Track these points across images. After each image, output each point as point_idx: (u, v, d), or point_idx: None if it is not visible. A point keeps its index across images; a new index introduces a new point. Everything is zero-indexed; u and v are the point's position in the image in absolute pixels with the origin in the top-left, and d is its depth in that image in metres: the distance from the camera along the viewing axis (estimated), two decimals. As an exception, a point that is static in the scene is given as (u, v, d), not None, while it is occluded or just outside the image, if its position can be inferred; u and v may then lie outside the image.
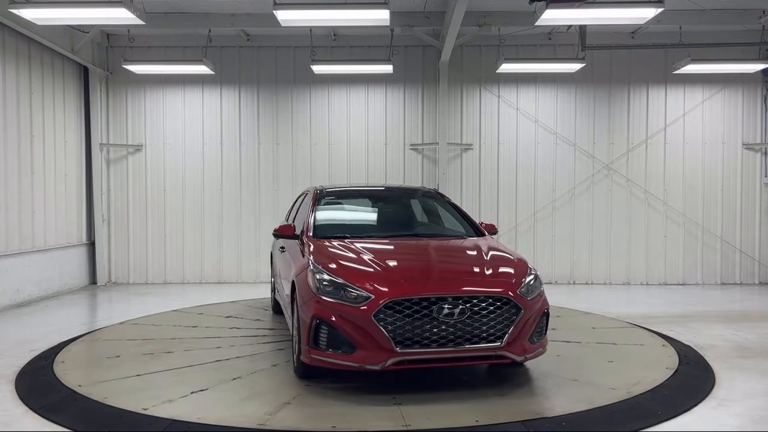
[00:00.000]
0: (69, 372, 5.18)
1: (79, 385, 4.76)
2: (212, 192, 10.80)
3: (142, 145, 10.78)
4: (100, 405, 4.39)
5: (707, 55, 9.84)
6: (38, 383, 4.95)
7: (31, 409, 4.40)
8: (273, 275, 7.64)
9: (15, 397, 4.67)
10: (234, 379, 4.96)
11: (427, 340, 4.32)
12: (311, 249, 5.16)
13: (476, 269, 4.82)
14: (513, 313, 4.50)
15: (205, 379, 4.93)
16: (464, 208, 7.15)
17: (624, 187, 10.72)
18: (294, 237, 5.68)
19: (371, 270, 4.68)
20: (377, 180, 10.69)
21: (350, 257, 4.93)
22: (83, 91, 10.48)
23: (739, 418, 4.23)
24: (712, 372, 5.26)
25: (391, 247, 5.39)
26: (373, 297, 4.34)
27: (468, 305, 4.39)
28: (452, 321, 4.34)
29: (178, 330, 6.74)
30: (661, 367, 5.39)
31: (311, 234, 5.51)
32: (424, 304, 4.34)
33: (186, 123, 10.80)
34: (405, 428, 3.96)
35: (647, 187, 10.71)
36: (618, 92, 10.75)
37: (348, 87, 10.76)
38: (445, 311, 4.33)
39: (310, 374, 4.84)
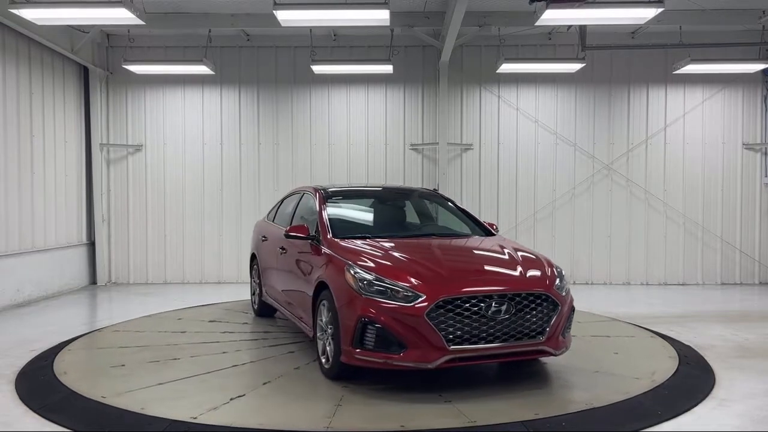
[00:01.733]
0: (80, 382, 4.90)
1: (103, 396, 4.52)
2: (212, 192, 10.80)
3: (142, 146, 10.78)
4: (101, 405, 4.37)
5: (707, 55, 9.84)
6: (38, 383, 4.95)
7: (31, 409, 4.39)
8: (259, 277, 7.37)
9: (15, 397, 4.66)
10: (264, 383, 4.84)
11: (476, 337, 4.41)
12: (339, 249, 5.10)
13: (516, 268, 4.92)
14: (551, 309, 4.67)
15: (236, 385, 4.79)
16: (465, 208, 7.17)
17: (624, 187, 10.72)
18: (308, 238, 5.56)
19: (412, 269, 4.69)
20: (377, 180, 10.68)
21: (384, 257, 4.93)
22: (83, 91, 10.48)
23: (740, 418, 4.23)
24: (712, 372, 5.26)
25: (419, 246, 5.37)
26: (424, 296, 4.37)
27: (512, 302, 4.51)
28: (499, 318, 4.45)
29: (167, 336, 6.49)
30: (665, 356, 5.59)
31: (331, 235, 5.41)
32: (473, 302, 4.43)
33: (186, 123, 10.79)
34: (472, 424, 4.00)
35: (647, 187, 10.71)
36: (618, 92, 10.75)
37: (348, 87, 10.75)
38: (493, 308, 4.44)
39: (344, 376, 4.80)
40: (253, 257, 7.76)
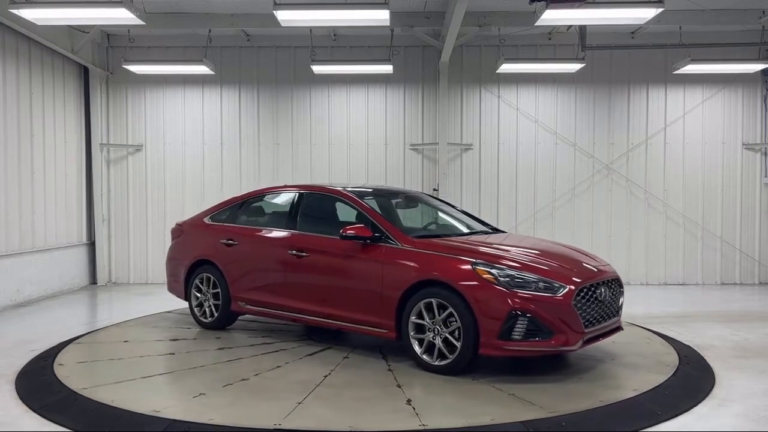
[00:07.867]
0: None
1: (277, 423, 3.95)
2: (212, 192, 10.78)
3: (142, 145, 10.78)
4: (100, 405, 4.36)
5: (707, 55, 9.84)
6: (38, 383, 4.94)
7: (31, 409, 4.38)
8: (216, 286, 6.55)
9: (15, 396, 4.66)
10: (398, 386, 4.73)
11: (595, 319, 5.04)
12: (443, 248, 5.23)
13: (594, 259, 5.67)
14: (619, 291, 5.47)
15: (376, 396, 4.54)
16: (465, 208, 7.22)
17: (624, 187, 10.72)
18: (373, 239, 5.39)
19: (540, 264, 5.09)
20: (377, 180, 10.69)
21: (500, 254, 5.18)
22: (83, 91, 10.48)
23: (739, 418, 4.23)
24: (712, 372, 5.26)
25: (502, 243, 5.68)
26: (568, 287, 4.85)
27: (608, 287, 5.25)
28: (606, 301, 5.18)
29: (163, 360, 5.62)
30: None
31: (409, 236, 5.40)
32: (592, 289, 5.04)
33: (186, 123, 10.80)
34: (635, 393, 4.58)
35: (647, 187, 10.71)
36: (618, 92, 10.75)
37: (348, 87, 10.76)
38: (603, 294, 5.13)
39: (466, 370, 4.96)
40: (199, 264, 6.75)
